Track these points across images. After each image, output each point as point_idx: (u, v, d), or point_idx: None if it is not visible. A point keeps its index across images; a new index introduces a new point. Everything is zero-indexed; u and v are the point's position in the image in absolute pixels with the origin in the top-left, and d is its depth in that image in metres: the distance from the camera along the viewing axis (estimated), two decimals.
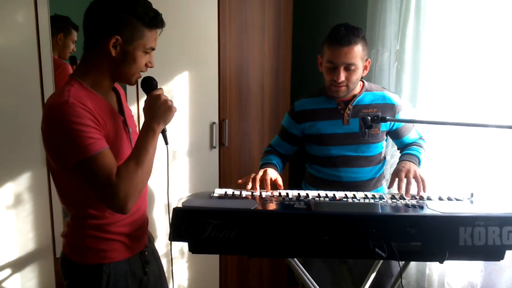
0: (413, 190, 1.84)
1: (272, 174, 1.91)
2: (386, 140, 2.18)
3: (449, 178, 2.34)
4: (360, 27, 2.02)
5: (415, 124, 2.16)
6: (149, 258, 1.70)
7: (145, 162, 1.46)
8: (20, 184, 2.39)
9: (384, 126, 2.09)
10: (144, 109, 1.53)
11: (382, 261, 1.95)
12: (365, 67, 2.03)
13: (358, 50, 1.94)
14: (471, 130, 2.19)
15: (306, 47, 3.48)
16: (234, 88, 2.91)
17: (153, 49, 1.53)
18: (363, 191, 1.85)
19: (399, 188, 1.87)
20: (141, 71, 1.55)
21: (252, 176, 1.87)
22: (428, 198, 1.72)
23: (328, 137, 2.09)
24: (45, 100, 2.34)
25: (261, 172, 1.89)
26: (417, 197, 1.75)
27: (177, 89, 2.73)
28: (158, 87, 1.57)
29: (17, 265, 2.44)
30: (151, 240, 1.80)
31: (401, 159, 2.03)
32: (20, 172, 2.38)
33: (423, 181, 1.86)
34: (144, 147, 1.47)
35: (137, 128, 1.73)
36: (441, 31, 2.35)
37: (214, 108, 2.85)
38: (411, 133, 2.15)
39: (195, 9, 2.68)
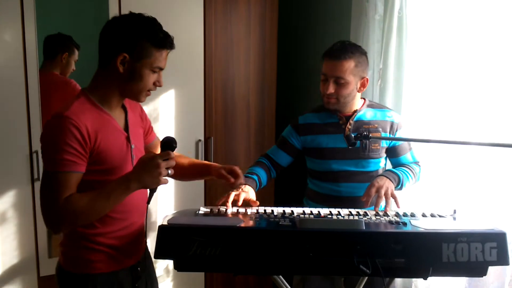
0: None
1: (248, 194, 1.89)
2: (386, 158, 2.19)
3: (432, 194, 2.36)
4: None
5: (412, 148, 2.18)
6: (141, 275, 1.70)
7: (97, 208, 1.49)
8: (5, 202, 2.37)
9: (384, 143, 2.11)
10: (139, 159, 1.52)
11: (374, 278, 1.95)
12: (362, 84, 2.07)
13: (349, 65, 1.98)
14: (454, 147, 2.23)
15: (291, 65, 3.52)
16: (220, 105, 2.92)
17: (161, 69, 1.57)
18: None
19: (366, 202, 1.90)
20: (149, 90, 1.59)
21: (227, 195, 1.86)
22: (412, 215, 1.73)
23: (329, 151, 2.10)
24: (31, 119, 2.37)
25: (233, 194, 1.86)
26: (397, 213, 1.78)
27: (163, 106, 2.74)
28: (170, 151, 1.53)
29: (1, 284, 2.40)
30: (147, 258, 1.80)
31: (380, 174, 2.05)
32: (4, 190, 2.36)
33: (394, 198, 1.90)
34: (108, 195, 1.48)
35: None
36: (422, 49, 2.40)
37: (200, 126, 2.86)
38: (407, 155, 2.16)
39: (181, 26, 2.71)
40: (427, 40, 2.38)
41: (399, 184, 2.03)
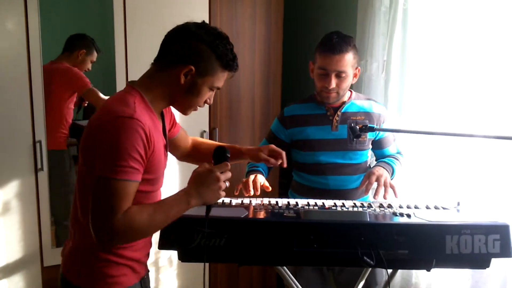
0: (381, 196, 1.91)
1: (261, 179, 1.96)
2: (372, 150, 2.21)
3: (436, 187, 2.36)
4: None
5: (396, 139, 2.21)
6: (148, 283, 1.61)
7: (156, 225, 1.36)
8: (8, 192, 2.37)
9: (371, 135, 2.13)
10: (194, 172, 1.43)
11: (369, 269, 1.96)
12: (354, 75, 2.07)
13: (349, 58, 1.99)
14: (457, 139, 2.22)
15: (296, 57, 3.50)
16: (225, 97, 2.92)
17: (218, 88, 1.51)
18: (350, 200, 1.88)
19: (366, 190, 1.92)
20: (198, 106, 1.52)
21: (244, 181, 1.92)
22: (416, 207, 1.74)
23: (316, 143, 2.11)
24: (34, 109, 2.36)
25: (252, 177, 1.93)
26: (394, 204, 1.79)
27: None
28: (225, 161, 1.46)
29: (5, 274, 2.41)
30: None
31: (376, 165, 2.09)
32: (8, 181, 2.36)
33: (393, 187, 1.93)
34: (168, 212, 1.36)
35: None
36: (426, 42, 2.39)
37: (205, 117, 2.85)
38: (391, 147, 2.19)
39: (186, 17, 2.68)
40: (431, 33, 2.37)
41: (392, 175, 2.06)
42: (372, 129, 1.79)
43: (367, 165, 2.19)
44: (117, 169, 1.28)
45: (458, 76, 2.25)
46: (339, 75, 1.99)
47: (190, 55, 1.42)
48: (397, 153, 2.21)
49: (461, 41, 2.22)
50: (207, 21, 2.71)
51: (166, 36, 1.49)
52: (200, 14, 2.72)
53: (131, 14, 2.54)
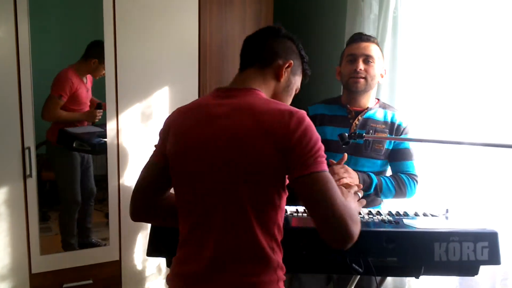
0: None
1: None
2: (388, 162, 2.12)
3: (425, 194, 2.37)
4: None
5: (415, 159, 2.09)
6: None
7: None
8: None
9: (388, 145, 2.07)
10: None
11: (363, 276, 1.96)
12: (381, 75, 2.11)
13: (375, 48, 2.08)
14: (447, 146, 2.23)
15: None
16: None
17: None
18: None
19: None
20: None
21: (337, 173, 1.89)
22: (405, 214, 1.74)
23: (331, 143, 2.03)
24: (24, 115, 2.34)
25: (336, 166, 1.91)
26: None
27: (157, 104, 2.72)
28: None
29: None
30: None
31: (359, 170, 2.01)
32: None
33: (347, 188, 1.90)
34: None
35: None
36: (416, 49, 2.41)
37: None
38: (406, 163, 2.07)
39: (176, 24, 2.70)
40: (421, 40, 2.38)
41: (369, 190, 1.97)
42: (361, 136, 1.79)
43: None
44: (324, 161, 1.25)
45: (449, 83, 2.27)
46: (367, 60, 2.05)
47: (287, 51, 1.44)
48: (412, 174, 2.06)
49: (452, 47, 2.24)
50: (196, 26, 2.75)
51: (250, 39, 1.49)
52: (190, 21, 2.73)
53: (121, 18, 2.54)
